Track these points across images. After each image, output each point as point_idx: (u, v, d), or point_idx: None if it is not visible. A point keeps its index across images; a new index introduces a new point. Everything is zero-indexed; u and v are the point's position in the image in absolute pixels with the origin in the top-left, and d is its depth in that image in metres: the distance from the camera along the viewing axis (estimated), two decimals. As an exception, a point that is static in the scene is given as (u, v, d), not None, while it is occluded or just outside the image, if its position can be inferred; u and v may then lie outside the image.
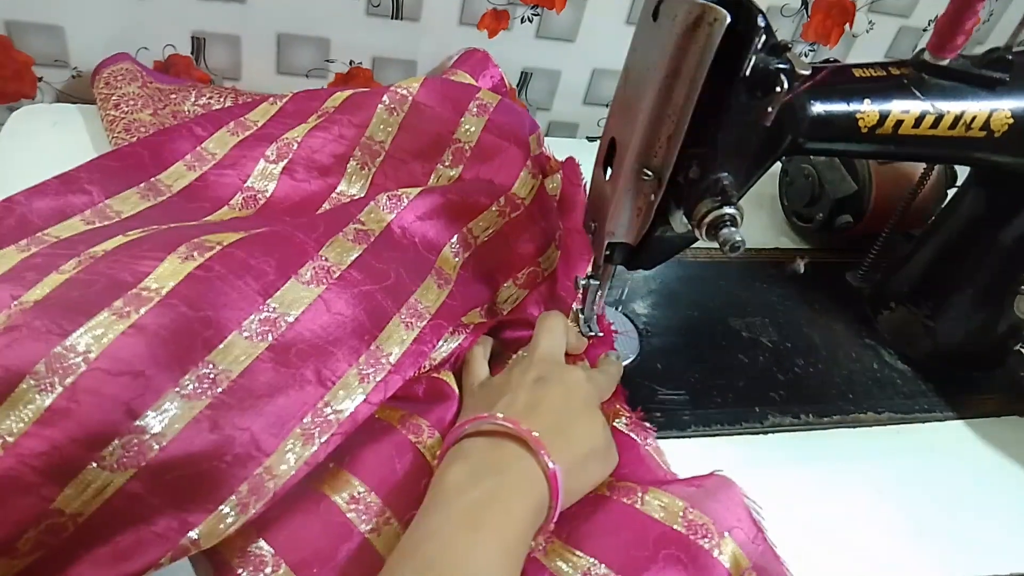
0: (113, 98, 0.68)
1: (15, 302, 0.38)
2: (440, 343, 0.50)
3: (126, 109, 0.67)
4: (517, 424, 0.42)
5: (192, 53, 0.75)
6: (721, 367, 0.62)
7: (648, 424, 0.53)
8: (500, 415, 0.43)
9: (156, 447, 0.35)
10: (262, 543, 0.40)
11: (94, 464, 0.34)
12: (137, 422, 0.35)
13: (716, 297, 0.70)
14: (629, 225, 0.49)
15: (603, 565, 0.43)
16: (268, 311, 0.42)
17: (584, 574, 0.43)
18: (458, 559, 0.36)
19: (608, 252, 0.52)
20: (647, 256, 0.52)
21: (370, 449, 0.45)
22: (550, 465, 0.41)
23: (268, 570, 0.39)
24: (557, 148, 0.73)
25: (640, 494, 0.47)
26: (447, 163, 0.63)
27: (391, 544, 0.41)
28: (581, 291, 0.58)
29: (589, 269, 0.57)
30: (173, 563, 0.36)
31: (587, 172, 0.61)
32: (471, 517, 0.38)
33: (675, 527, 0.44)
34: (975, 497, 0.56)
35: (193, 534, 0.36)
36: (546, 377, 0.47)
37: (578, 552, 0.44)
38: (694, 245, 0.54)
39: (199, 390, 0.37)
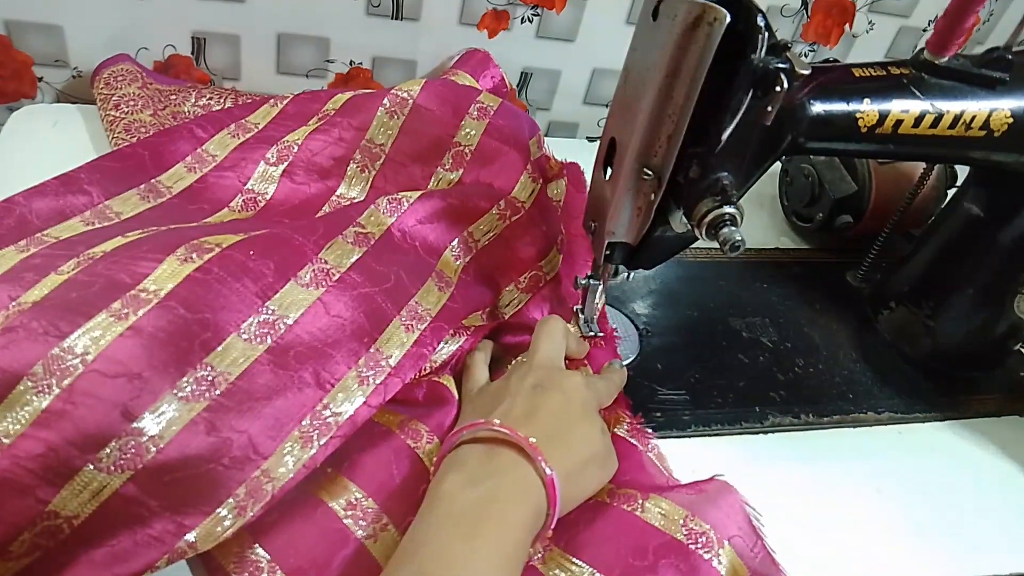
0: (113, 99, 0.68)
1: (13, 303, 0.38)
2: (441, 345, 0.50)
3: (126, 110, 0.67)
4: (514, 431, 0.42)
5: (192, 53, 0.75)
6: (721, 367, 0.62)
7: (649, 429, 0.53)
8: (497, 421, 0.42)
9: (153, 449, 0.35)
10: (258, 548, 0.40)
11: (90, 466, 0.34)
12: (134, 424, 0.35)
13: (716, 297, 0.69)
14: (629, 225, 0.49)
15: (600, 575, 0.43)
16: (267, 313, 0.41)
17: None
18: (455, 567, 0.36)
19: (608, 252, 0.51)
20: (647, 256, 0.52)
21: (368, 454, 0.45)
22: (547, 471, 0.40)
23: None
24: (557, 148, 0.74)
25: (640, 501, 0.46)
26: (447, 166, 0.63)
27: (388, 551, 0.40)
28: (581, 291, 0.58)
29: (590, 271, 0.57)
30: (170, 566, 0.36)
31: (587, 172, 0.61)
32: (468, 524, 0.38)
33: (676, 536, 0.44)
34: (975, 497, 0.56)
35: (190, 537, 0.36)
36: (544, 383, 0.46)
37: (576, 560, 0.43)
38: (694, 245, 0.54)
39: (197, 392, 0.37)
